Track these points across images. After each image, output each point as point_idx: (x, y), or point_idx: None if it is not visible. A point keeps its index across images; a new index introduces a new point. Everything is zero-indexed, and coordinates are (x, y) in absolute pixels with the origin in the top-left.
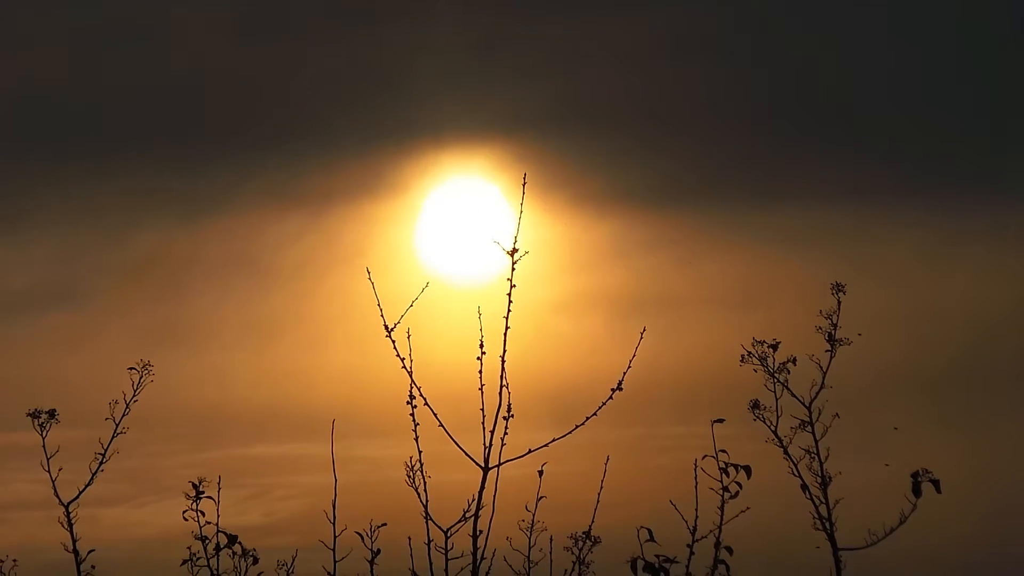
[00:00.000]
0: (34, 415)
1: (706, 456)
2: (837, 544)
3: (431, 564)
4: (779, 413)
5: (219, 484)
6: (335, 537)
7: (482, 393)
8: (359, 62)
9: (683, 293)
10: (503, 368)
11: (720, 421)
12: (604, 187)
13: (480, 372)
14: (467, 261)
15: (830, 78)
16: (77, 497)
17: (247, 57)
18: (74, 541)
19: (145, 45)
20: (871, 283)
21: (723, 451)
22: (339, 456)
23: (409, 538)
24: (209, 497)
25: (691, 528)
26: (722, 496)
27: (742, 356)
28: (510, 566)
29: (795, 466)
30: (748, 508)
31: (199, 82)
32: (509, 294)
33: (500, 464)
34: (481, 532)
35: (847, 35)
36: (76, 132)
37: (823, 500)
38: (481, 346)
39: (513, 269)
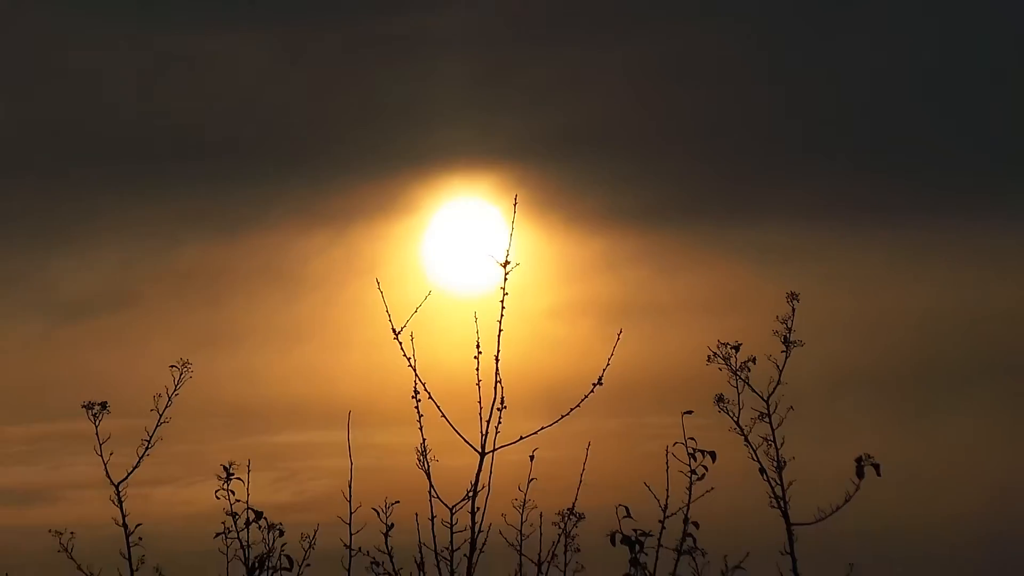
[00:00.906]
0: (88, 406)
1: (676, 443)
2: (790, 520)
3: (435, 537)
4: (740, 406)
5: (248, 467)
6: (351, 513)
7: (479, 388)
8: (376, 94)
9: (662, 301)
10: (497, 366)
11: (689, 413)
12: (594, 207)
13: (477, 369)
14: (466, 273)
15: (799, 113)
16: (126, 478)
17: (277, 89)
18: (123, 516)
19: (189, 78)
20: (826, 293)
21: (692, 439)
22: (355, 443)
23: (416, 514)
24: (239, 478)
25: (663, 506)
26: (690, 478)
27: (708, 356)
28: (504, 538)
29: (754, 452)
30: (712, 488)
31: (235, 111)
32: (502, 301)
33: (495, 450)
34: (479, 509)
35: (812, 75)
36: (130, 156)
37: (779, 482)
38: (477, 347)
39: (505, 279)
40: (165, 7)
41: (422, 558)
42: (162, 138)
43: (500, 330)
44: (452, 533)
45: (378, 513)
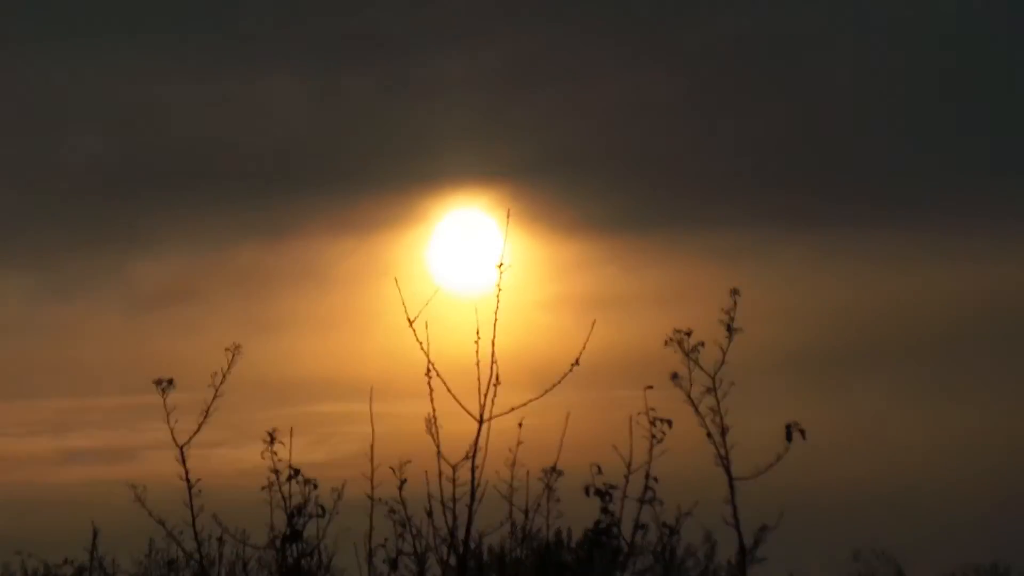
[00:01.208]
0: (158, 383)
1: (640, 413)
2: (732, 475)
3: (442, 490)
4: (691, 382)
5: (291, 433)
6: (372, 471)
7: (478, 368)
8: (394, 126)
9: (628, 295)
10: (493, 350)
11: (650, 388)
12: (573, 217)
13: (476, 353)
14: (467, 273)
15: (740, 140)
16: (188, 441)
17: (315, 122)
18: (186, 472)
19: (246, 111)
20: (762, 288)
21: (652, 409)
22: (376, 413)
23: (426, 472)
24: (281, 442)
25: (628, 464)
26: (651, 442)
27: (666, 341)
28: (498, 492)
29: (703, 420)
30: (667, 450)
31: (281, 139)
32: (498, 297)
33: (491, 418)
34: (478, 468)
35: (752, 109)
36: (196, 176)
37: (723, 444)
38: (477, 334)
39: (500, 278)
40: (227, 52)
41: (431, 507)
42: (222, 161)
43: (496, 320)
44: (455, 487)
45: (394, 471)
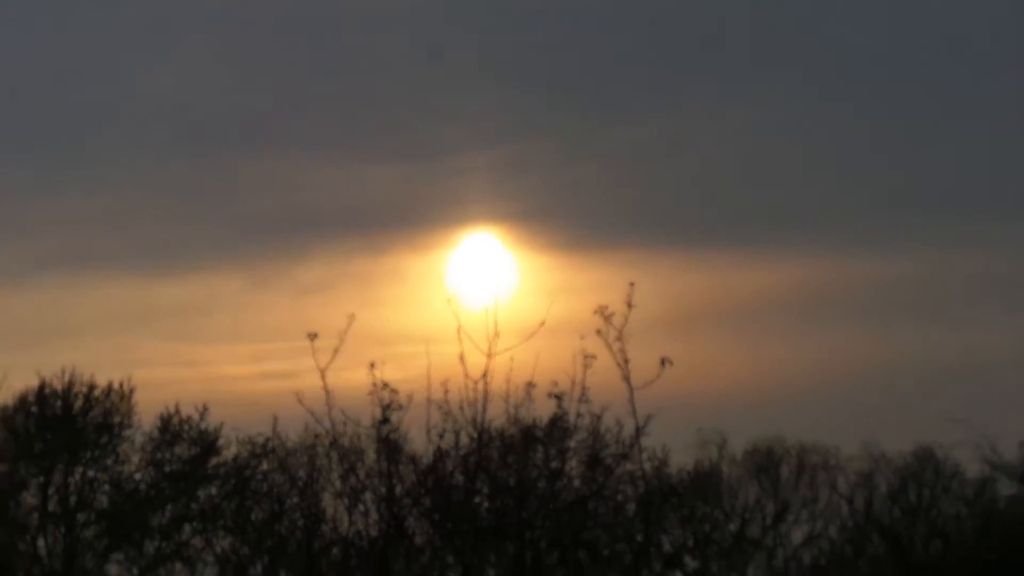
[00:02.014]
0: (311, 335)
1: (579, 352)
2: (632, 386)
3: (467, 394)
4: (608, 335)
5: (383, 364)
6: (429, 384)
7: (488, 326)
8: (422, 181)
9: (575, 284)
10: (496, 315)
11: (583, 338)
12: (546, 242)
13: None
14: (475, 288)
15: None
16: (326, 367)
17: (399, 192)
18: (325, 385)
19: (353, 185)
20: (649, 280)
21: (586, 351)
22: (431, 351)
23: (459, 385)
24: (377, 369)
25: (572, 380)
26: (585, 368)
27: (594, 311)
28: (499, 396)
29: (615, 355)
30: (595, 373)
31: (378, 198)
32: (497, 299)
33: (495, 355)
34: (487, 382)
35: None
36: (312, 226)
37: (626, 369)
38: (489, 308)
39: (497, 287)
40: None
41: (462, 405)
42: (353, 218)
43: (496, 309)
44: (475, 393)
45: (442, 385)
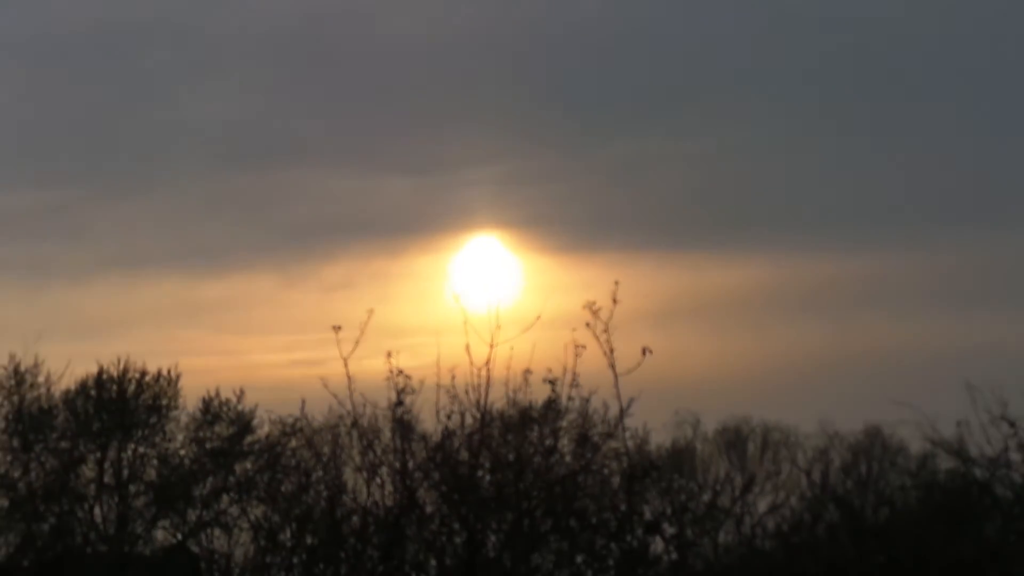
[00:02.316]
0: (335, 327)
1: (571, 342)
2: (616, 373)
3: (473, 378)
4: (596, 326)
5: (396, 355)
6: (439, 371)
7: (490, 319)
8: (433, 192)
9: (567, 283)
10: (497, 310)
11: (575, 329)
12: (541, 246)
13: (489, 313)
14: (479, 285)
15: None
16: (348, 356)
17: (411, 202)
18: (347, 372)
19: (370, 199)
20: (634, 283)
21: (576, 341)
22: (442, 341)
23: (465, 371)
24: (392, 358)
25: (564, 367)
26: (576, 356)
27: (583, 306)
28: (500, 381)
29: (602, 345)
30: (584, 360)
31: (393, 208)
32: (498, 295)
33: (496, 345)
34: (489, 369)
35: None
36: (350, 232)
37: (611, 357)
38: (491, 306)
39: (499, 284)
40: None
41: (467, 389)
42: (368, 229)
43: (498, 309)
44: (479, 379)
45: (450, 371)
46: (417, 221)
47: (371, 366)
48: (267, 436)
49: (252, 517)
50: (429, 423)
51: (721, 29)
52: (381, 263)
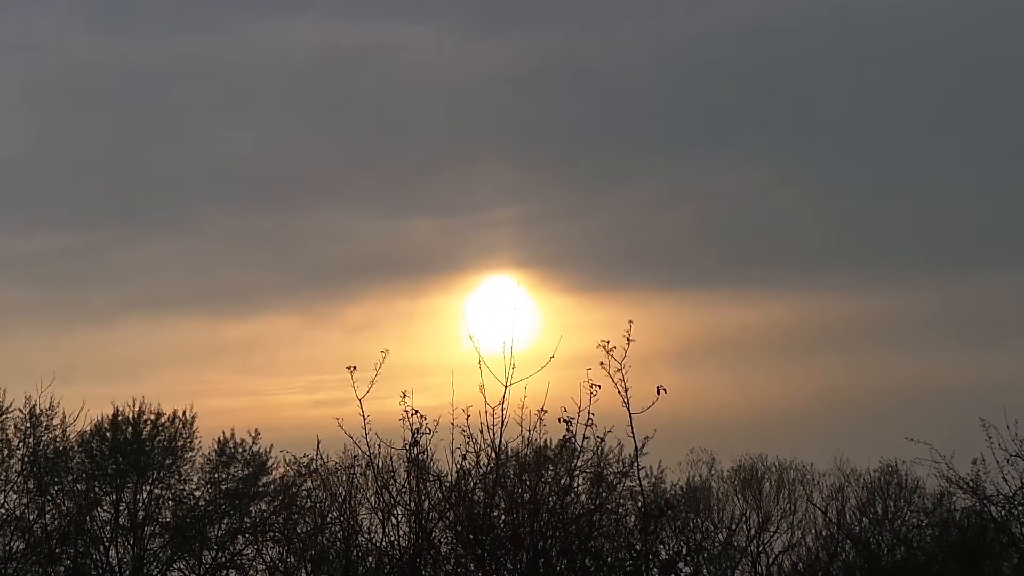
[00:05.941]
0: (350, 368)
1: (585, 381)
2: (631, 412)
3: (486, 420)
4: (610, 365)
5: (412, 393)
6: (453, 410)
7: (505, 359)
8: (454, 233)
9: (582, 323)
10: (511, 348)
11: (590, 369)
12: (558, 286)
13: (503, 353)
14: (492, 331)
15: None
16: (363, 396)
17: (436, 242)
18: (362, 411)
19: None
20: (647, 319)
21: (591, 380)
22: (455, 381)
23: (479, 411)
24: (407, 397)
25: (579, 406)
26: (591, 395)
27: (598, 345)
28: (514, 420)
29: (616, 384)
30: (598, 399)
31: (418, 249)
32: (513, 334)
33: (511, 384)
34: (504, 409)
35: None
36: (374, 270)
37: (625, 396)
38: (506, 344)
39: (514, 324)
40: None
41: (482, 428)
42: (392, 267)
43: (512, 336)
44: (493, 418)
45: (463, 410)
46: (439, 261)
47: (389, 406)
48: (282, 477)
49: (267, 558)
50: (444, 463)
51: (740, 70)
52: (404, 303)
